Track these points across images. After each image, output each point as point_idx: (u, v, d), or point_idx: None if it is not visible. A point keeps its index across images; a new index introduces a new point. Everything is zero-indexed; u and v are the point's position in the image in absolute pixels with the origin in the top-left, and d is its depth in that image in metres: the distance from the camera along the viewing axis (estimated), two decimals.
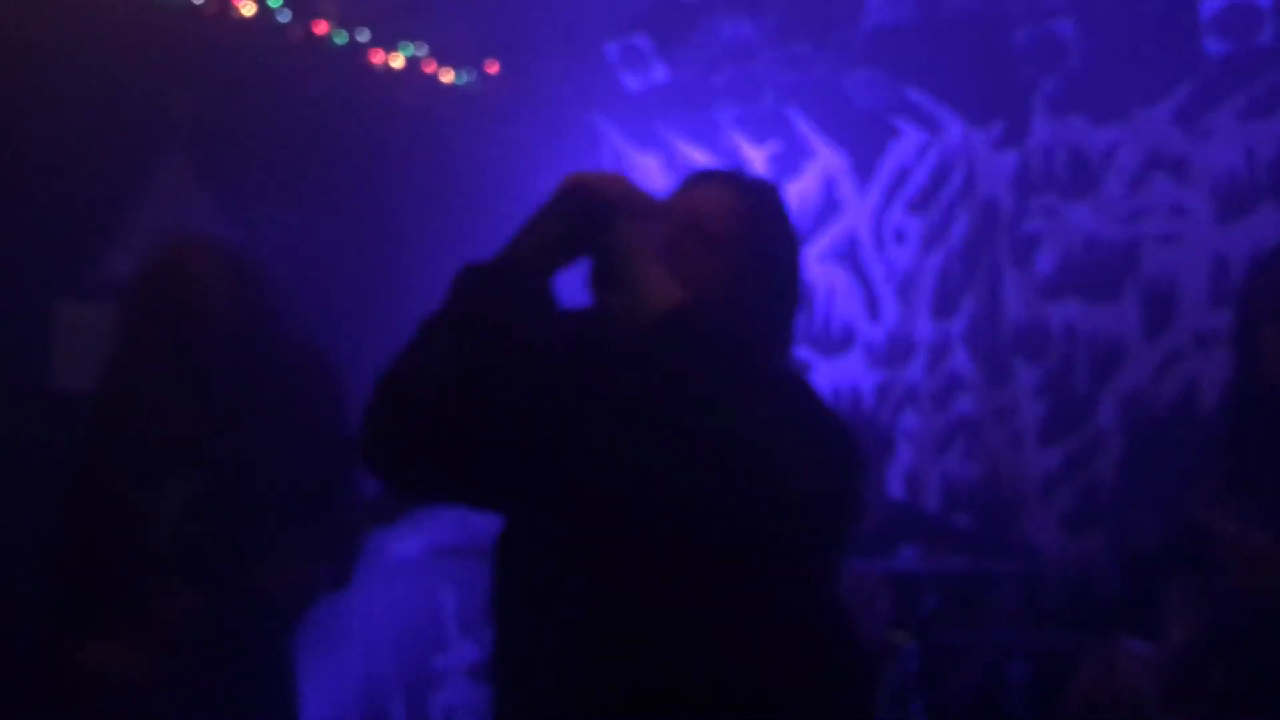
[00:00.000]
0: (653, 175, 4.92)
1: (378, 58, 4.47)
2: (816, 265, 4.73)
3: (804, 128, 4.78)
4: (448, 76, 4.68)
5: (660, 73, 4.67)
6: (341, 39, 4.34)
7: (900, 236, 4.66)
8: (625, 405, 1.57)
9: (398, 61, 4.51)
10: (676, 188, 1.75)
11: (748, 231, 1.68)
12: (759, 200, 1.73)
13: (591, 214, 1.58)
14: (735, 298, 1.65)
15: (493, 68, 4.75)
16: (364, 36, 4.39)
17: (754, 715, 1.55)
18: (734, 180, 1.75)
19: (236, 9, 4.05)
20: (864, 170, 4.72)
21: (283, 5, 4.15)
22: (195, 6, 3.95)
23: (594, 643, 1.56)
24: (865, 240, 4.71)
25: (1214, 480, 2.18)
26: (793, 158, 4.79)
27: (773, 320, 1.71)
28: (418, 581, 4.18)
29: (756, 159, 4.84)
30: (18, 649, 2.66)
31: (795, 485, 1.48)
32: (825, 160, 4.77)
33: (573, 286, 1.69)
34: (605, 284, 1.59)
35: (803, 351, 4.72)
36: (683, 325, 1.51)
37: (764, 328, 1.68)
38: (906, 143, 4.64)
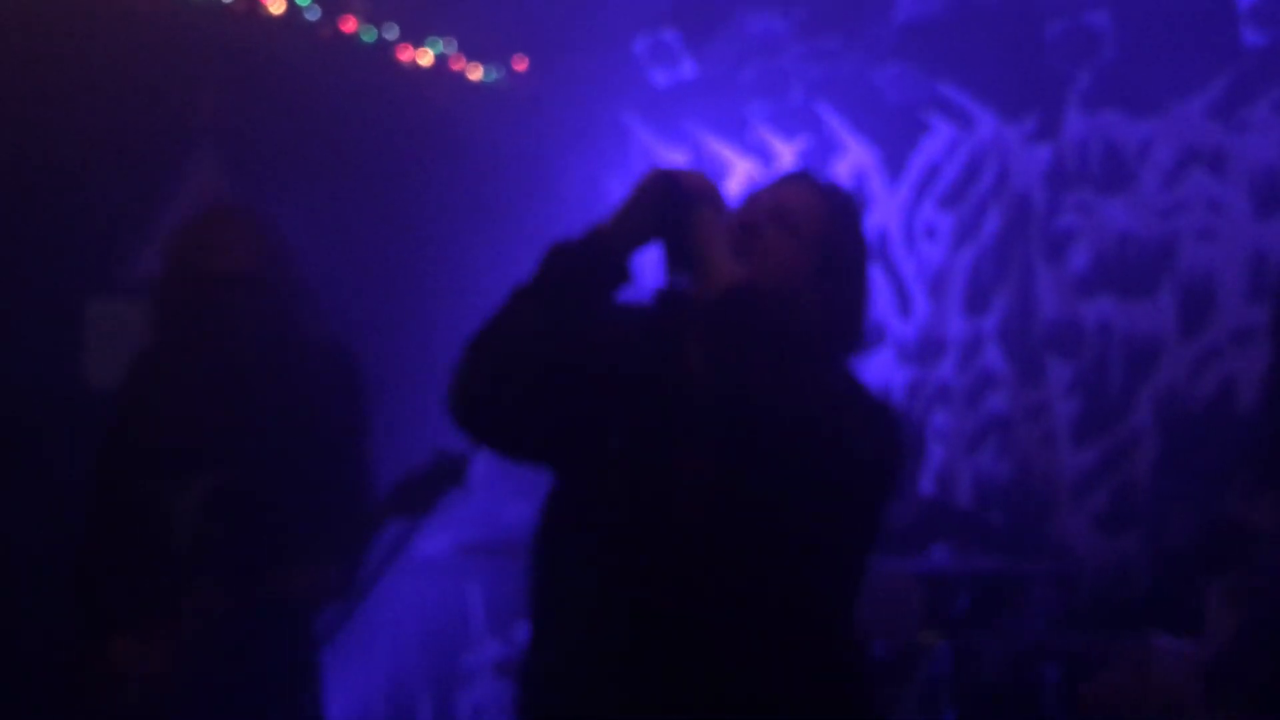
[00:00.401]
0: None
1: (406, 55, 4.47)
2: None
3: (834, 123, 4.74)
4: (475, 74, 4.67)
5: (688, 68, 4.65)
6: (370, 36, 4.34)
7: (931, 233, 4.62)
8: (685, 374, 1.71)
9: (426, 58, 4.51)
10: (765, 184, 1.89)
11: (825, 230, 1.82)
12: (839, 204, 1.87)
13: (672, 201, 1.74)
14: (805, 288, 1.78)
15: (520, 64, 4.74)
16: (392, 33, 4.39)
17: (768, 704, 1.62)
18: (818, 183, 1.89)
19: (265, 7, 4.05)
20: (894, 166, 4.67)
21: (311, 3, 4.15)
22: (224, 5, 3.96)
23: (631, 614, 1.63)
24: (896, 236, 4.67)
25: (1251, 474, 2.14)
26: (822, 153, 4.75)
27: (838, 318, 1.82)
28: (445, 580, 4.18)
29: (785, 155, 4.81)
30: (44, 646, 2.67)
31: (837, 460, 1.61)
32: (855, 156, 4.73)
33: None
34: (677, 263, 1.76)
35: None
36: (743, 300, 1.65)
37: (828, 322, 1.80)
38: (937, 138, 4.59)
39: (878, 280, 4.67)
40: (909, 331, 4.61)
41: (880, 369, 4.59)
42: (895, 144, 4.65)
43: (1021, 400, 4.39)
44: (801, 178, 1.90)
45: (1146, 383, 4.20)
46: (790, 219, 1.80)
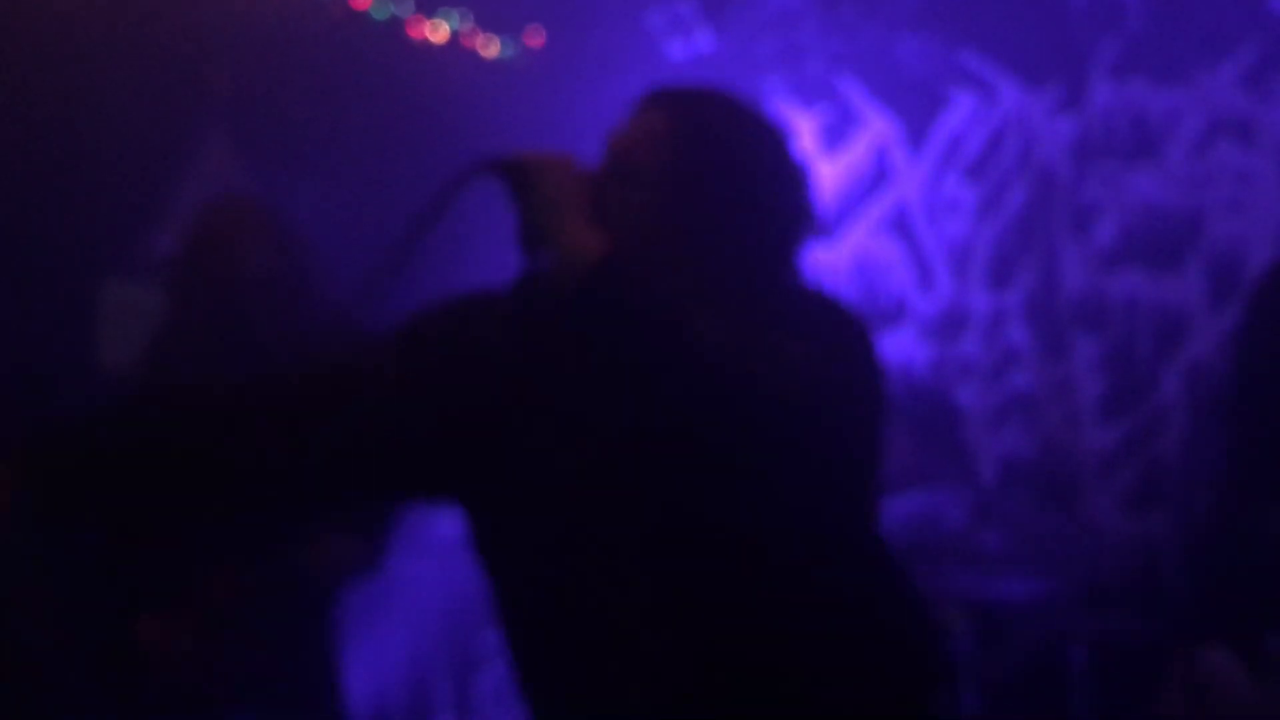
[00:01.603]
0: None
1: (419, 30, 4.42)
2: (866, 236, 4.63)
3: (854, 95, 4.67)
4: (490, 49, 4.62)
5: (705, 41, 4.58)
6: (382, 14, 4.29)
7: (954, 206, 4.55)
8: (575, 376, 1.52)
9: (439, 32, 4.46)
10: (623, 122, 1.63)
11: (676, 164, 1.53)
12: (692, 120, 1.56)
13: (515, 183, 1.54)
14: (673, 236, 1.52)
15: (536, 40, 4.68)
16: (405, 6, 4.34)
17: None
18: (674, 102, 1.59)
19: None
20: (916, 138, 4.61)
21: None
22: None
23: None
24: (917, 210, 4.61)
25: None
26: (842, 126, 4.69)
27: (746, 241, 1.54)
28: (464, 560, 4.16)
29: (804, 128, 4.74)
30: (70, 626, 2.66)
31: (807, 405, 1.38)
32: (876, 128, 4.66)
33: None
34: (528, 243, 1.54)
35: None
36: (603, 283, 1.41)
37: (733, 253, 1.53)
38: (960, 109, 4.52)
39: (898, 254, 4.61)
40: (930, 307, 4.55)
41: (900, 345, 4.54)
42: (917, 115, 4.58)
43: (1046, 377, 4.33)
44: (654, 102, 1.59)
45: (1175, 358, 4.15)
46: (627, 167, 1.54)
